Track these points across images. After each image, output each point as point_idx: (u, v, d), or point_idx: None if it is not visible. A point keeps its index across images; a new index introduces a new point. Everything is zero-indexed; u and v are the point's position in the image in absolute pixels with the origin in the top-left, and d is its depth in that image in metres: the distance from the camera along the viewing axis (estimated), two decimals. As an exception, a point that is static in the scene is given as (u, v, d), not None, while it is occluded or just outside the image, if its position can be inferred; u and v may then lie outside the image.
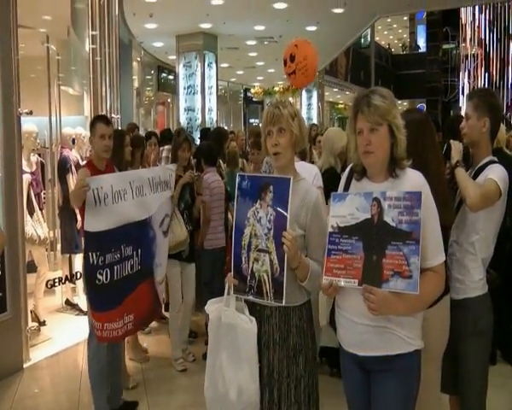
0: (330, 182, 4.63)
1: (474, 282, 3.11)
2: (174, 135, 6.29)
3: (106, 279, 3.81)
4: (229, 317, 2.83)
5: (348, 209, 2.49)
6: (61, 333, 5.57)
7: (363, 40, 26.84)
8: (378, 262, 2.37)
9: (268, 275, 2.67)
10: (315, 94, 22.41)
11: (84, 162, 6.97)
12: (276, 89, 22.85)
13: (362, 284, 2.38)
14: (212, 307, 2.95)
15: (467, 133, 3.23)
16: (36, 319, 6.31)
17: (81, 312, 6.57)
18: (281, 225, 2.61)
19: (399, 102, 37.61)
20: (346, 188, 2.71)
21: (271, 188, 2.66)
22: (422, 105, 29.09)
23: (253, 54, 18.38)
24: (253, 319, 2.79)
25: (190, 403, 4.66)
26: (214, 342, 2.91)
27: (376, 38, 28.15)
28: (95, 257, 3.76)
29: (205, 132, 9.14)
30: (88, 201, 3.65)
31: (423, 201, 2.34)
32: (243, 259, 2.75)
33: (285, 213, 2.60)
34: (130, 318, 4.04)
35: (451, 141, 3.43)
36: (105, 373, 4.27)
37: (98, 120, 4.30)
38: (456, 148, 3.33)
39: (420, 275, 2.35)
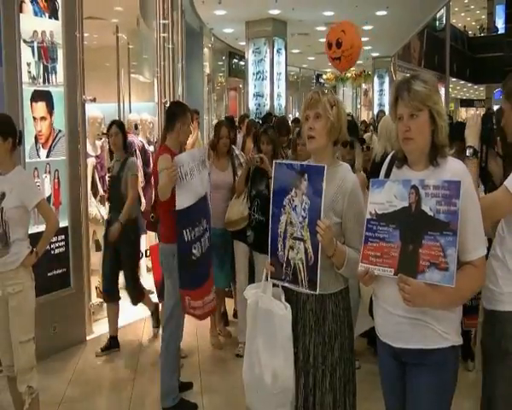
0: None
1: (502, 294, 2.73)
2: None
3: (198, 253, 4.26)
4: (266, 303, 2.87)
5: (386, 196, 2.45)
6: (124, 309, 5.80)
7: (437, 23, 26.11)
8: (414, 252, 2.32)
9: (303, 263, 2.68)
10: (387, 80, 22.08)
11: (154, 148, 7.27)
12: (349, 74, 22.64)
13: (397, 273, 2.35)
14: (250, 292, 3.00)
15: (504, 128, 2.94)
16: (100, 294, 6.63)
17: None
18: (315, 213, 2.61)
19: (476, 86, 36.38)
20: (387, 175, 2.66)
21: (306, 176, 2.66)
22: (500, 90, 28.06)
23: (324, 39, 18.28)
24: (288, 305, 2.81)
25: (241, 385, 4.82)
26: (252, 327, 2.95)
27: (452, 21, 27.25)
28: (188, 233, 4.18)
29: (265, 118, 9.18)
30: (177, 181, 3.98)
31: (463, 191, 2.26)
32: (279, 246, 2.78)
33: (319, 202, 2.59)
34: (210, 297, 4.54)
35: (469, 116, 3.11)
36: (178, 355, 4.52)
37: (188, 110, 4.56)
38: (473, 129, 3.02)
39: (459, 268, 2.31)
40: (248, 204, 5.15)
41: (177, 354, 4.55)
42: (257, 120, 10.37)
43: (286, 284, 2.79)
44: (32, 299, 3.73)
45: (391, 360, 2.60)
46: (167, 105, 7.06)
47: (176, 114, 4.41)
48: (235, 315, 6.21)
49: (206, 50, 16.74)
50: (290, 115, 21.14)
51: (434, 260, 2.26)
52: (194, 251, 4.26)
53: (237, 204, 5.20)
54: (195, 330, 5.97)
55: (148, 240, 7.13)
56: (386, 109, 19.68)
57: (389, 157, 2.72)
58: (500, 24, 33.48)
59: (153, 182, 5.23)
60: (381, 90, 22.33)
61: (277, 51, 14.93)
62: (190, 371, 5.11)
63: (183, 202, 4.12)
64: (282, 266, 2.78)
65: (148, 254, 6.88)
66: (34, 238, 3.89)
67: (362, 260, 2.48)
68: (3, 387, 4.43)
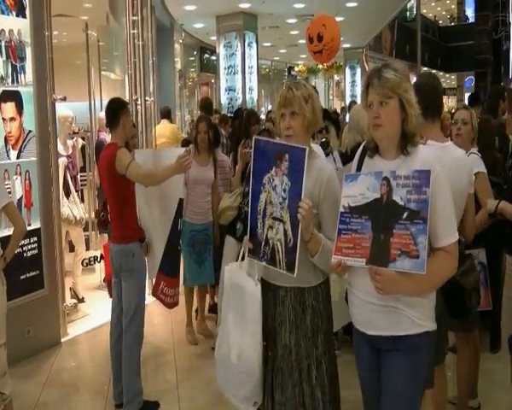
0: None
1: None
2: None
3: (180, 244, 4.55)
4: (239, 278, 2.88)
5: (359, 189, 2.48)
6: (99, 310, 5.78)
7: (408, 13, 26.25)
8: (385, 242, 2.35)
9: (281, 244, 2.67)
10: (358, 71, 22.17)
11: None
12: (320, 66, 22.70)
13: (369, 263, 2.39)
14: (227, 267, 3.00)
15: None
16: (75, 295, 6.59)
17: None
18: (295, 195, 2.60)
19: (447, 75, 36.69)
20: (359, 166, 2.69)
21: (287, 156, 2.64)
22: (471, 78, 28.33)
23: (295, 32, 18.24)
24: (259, 283, 2.81)
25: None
26: (224, 303, 2.98)
27: (423, 11, 27.44)
28: (180, 222, 4.48)
29: (236, 113, 9.21)
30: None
31: (434, 179, 2.30)
32: (259, 224, 2.77)
33: (300, 184, 2.58)
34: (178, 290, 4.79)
35: None
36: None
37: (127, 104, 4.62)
38: None
39: (431, 255, 2.35)
40: (240, 199, 5.06)
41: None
42: (229, 115, 10.36)
43: (263, 264, 2.77)
44: (3, 304, 3.66)
45: (366, 348, 2.64)
46: (138, 102, 7.03)
47: (117, 110, 4.34)
48: (210, 310, 6.22)
49: (177, 46, 16.68)
50: (263, 108, 21.16)
51: (405, 248, 2.30)
52: (179, 241, 4.49)
53: (228, 197, 5.18)
54: (171, 327, 6.01)
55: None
56: (359, 100, 19.82)
57: (361, 147, 2.74)
58: (470, 13, 33.71)
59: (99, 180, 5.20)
60: (353, 81, 22.42)
61: (248, 45, 14.89)
62: (167, 368, 5.13)
63: (181, 191, 4.38)
64: (260, 245, 2.77)
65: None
66: (3, 242, 3.85)
67: (335, 253, 2.50)
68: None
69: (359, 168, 2.67)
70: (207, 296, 6.16)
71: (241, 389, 2.86)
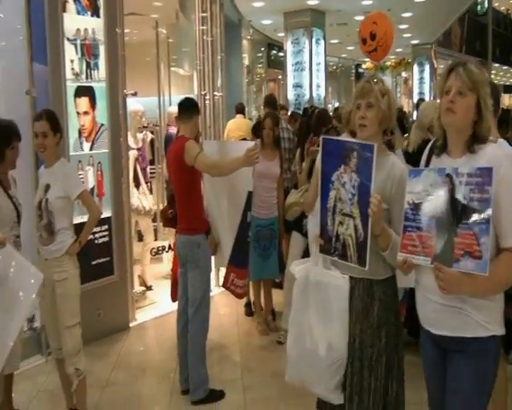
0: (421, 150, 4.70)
1: None
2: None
3: (249, 236, 4.70)
4: (318, 274, 2.92)
5: (423, 186, 2.47)
6: (166, 298, 5.94)
7: (479, 7, 25.51)
8: (450, 241, 2.33)
9: (352, 239, 2.73)
10: (427, 67, 21.72)
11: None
12: (388, 63, 22.42)
13: (434, 262, 2.38)
14: (297, 267, 3.05)
15: None
16: (143, 283, 6.84)
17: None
18: (365, 191, 2.64)
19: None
20: (427, 164, 2.67)
21: (355, 154, 2.68)
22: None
23: (364, 28, 18.16)
24: (346, 275, 2.85)
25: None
26: (300, 301, 3.00)
27: (495, 4, 26.55)
28: (249, 215, 4.58)
29: (305, 111, 9.28)
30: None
31: (498, 177, 2.25)
32: (329, 221, 2.83)
33: (369, 180, 2.61)
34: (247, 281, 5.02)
35: None
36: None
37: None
38: None
39: (496, 256, 2.33)
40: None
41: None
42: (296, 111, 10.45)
43: (335, 258, 2.85)
44: (77, 286, 3.92)
45: (432, 347, 2.63)
46: (207, 97, 7.21)
47: (192, 108, 4.49)
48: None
49: (244, 42, 16.82)
50: (329, 106, 21.09)
51: (468, 248, 2.27)
52: (249, 233, 4.62)
53: (295, 193, 5.28)
54: (236, 318, 6.16)
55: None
56: (427, 98, 19.48)
57: (429, 145, 2.74)
58: (547, 5, 32.51)
59: (167, 175, 5.35)
60: (421, 79, 21.95)
61: (316, 42, 14.89)
62: (232, 358, 5.28)
63: (250, 184, 4.44)
64: (331, 241, 2.83)
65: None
66: (78, 228, 4.07)
67: (401, 250, 2.52)
68: (52, 369, 4.69)
69: (426, 167, 2.66)
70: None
71: (333, 380, 2.90)
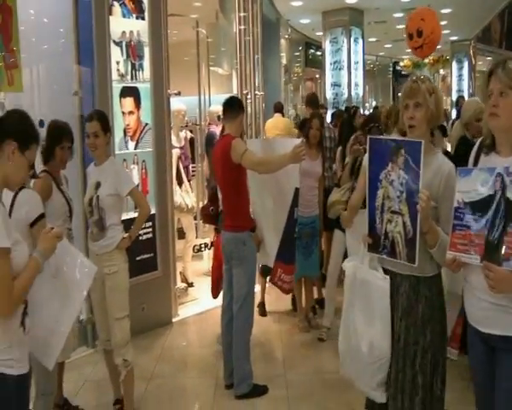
0: (460, 151, 4.72)
1: None
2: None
3: (296, 232, 4.78)
4: (363, 273, 2.97)
5: (473, 185, 2.46)
6: (207, 295, 6.04)
7: (521, 0, 25.01)
8: (500, 240, 2.33)
9: (401, 236, 2.75)
10: (466, 64, 21.40)
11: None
12: (426, 61, 22.16)
13: (483, 261, 2.38)
14: (348, 263, 3.12)
15: None
16: (185, 280, 6.98)
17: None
18: (413, 187, 2.66)
19: None
20: (475, 163, 2.67)
21: (403, 151, 2.70)
22: None
23: (401, 26, 17.97)
24: (387, 276, 2.89)
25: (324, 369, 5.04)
26: (349, 298, 3.06)
27: (537, -2, 26.05)
28: (296, 212, 4.65)
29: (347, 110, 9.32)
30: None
31: None
32: (377, 219, 2.86)
33: (417, 176, 2.64)
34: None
35: None
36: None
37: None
38: None
39: None
40: (349, 194, 5.09)
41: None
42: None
43: (384, 256, 2.88)
44: (126, 279, 4.06)
45: (480, 345, 2.61)
46: (248, 96, 7.30)
47: (238, 107, 4.57)
48: (317, 303, 6.32)
49: (282, 41, 16.86)
50: (367, 104, 20.99)
51: None
52: (296, 229, 4.69)
53: (337, 191, 5.32)
54: (278, 316, 6.26)
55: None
56: (466, 95, 19.22)
57: (477, 144, 2.74)
58: None
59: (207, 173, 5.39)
60: (460, 76, 21.61)
61: (354, 40, 14.88)
62: (275, 354, 5.37)
63: (297, 180, 4.51)
64: (379, 239, 2.87)
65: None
66: (126, 224, 4.21)
67: (450, 248, 2.53)
68: (98, 360, 4.84)
69: (475, 165, 2.67)
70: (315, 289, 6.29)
71: (375, 378, 2.95)
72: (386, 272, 2.94)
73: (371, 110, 17.10)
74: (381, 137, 2.98)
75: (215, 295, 5.66)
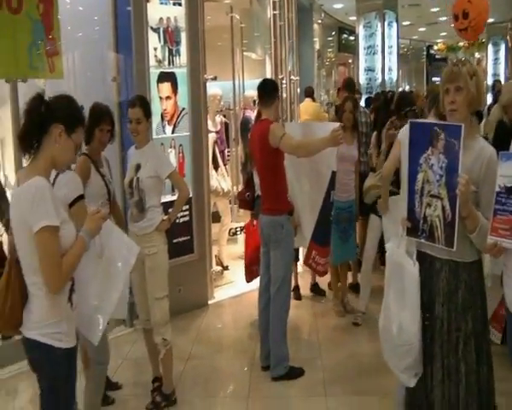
0: (498, 133, 4.69)
1: None
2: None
3: (331, 215, 4.80)
4: (399, 257, 2.98)
5: None
6: (242, 278, 6.09)
7: None
8: None
9: (440, 220, 2.74)
10: (503, 47, 20.95)
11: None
12: (461, 44, 21.81)
13: None
14: (389, 244, 3.13)
15: None
16: (220, 263, 7.06)
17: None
18: (453, 171, 2.65)
19: None
20: None
21: (443, 135, 2.68)
22: None
23: (436, 9, 17.79)
24: (417, 263, 2.89)
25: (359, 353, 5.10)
26: (387, 278, 3.07)
27: None
28: (332, 194, 4.65)
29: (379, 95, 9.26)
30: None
31: None
32: (416, 203, 2.86)
33: (457, 160, 2.62)
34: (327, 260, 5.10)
35: None
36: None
37: None
38: None
39: None
40: None
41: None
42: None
43: (422, 240, 2.88)
44: (166, 260, 4.14)
45: None
46: (284, 81, 7.32)
47: (274, 90, 4.59)
48: (351, 287, 6.30)
49: (315, 26, 16.80)
50: (400, 89, 20.78)
51: None
52: (331, 212, 4.71)
53: (373, 176, 5.34)
54: (313, 300, 6.30)
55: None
56: (502, 79, 18.89)
57: None
58: None
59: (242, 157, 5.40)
60: (496, 59, 21.15)
61: (388, 24, 14.75)
62: (310, 338, 5.41)
63: (334, 164, 4.53)
64: (418, 223, 2.87)
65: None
66: (164, 207, 4.30)
67: (491, 233, 2.54)
68: (136, 339, 4.96)
69: None
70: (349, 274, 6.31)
71: (403, 361, 2.95)
72: (425, 256, 2.94)
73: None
74: (422, 120, 2.96)
75: (248, 280, 5.74)
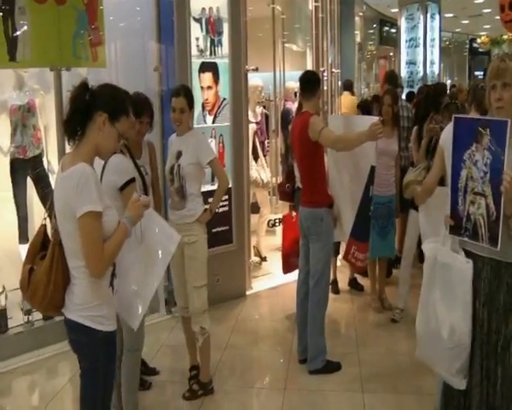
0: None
1: None
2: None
3: (371, 210, 4.70)
4: (445, 256, 2.90)
5: None
6: (280, 270, 6.01)
7: None
8: None
9: (484, 218, 2.68)
10: (551, 41, 20.56)
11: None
12: (505, 37, 21.36)
13: None
14: (428, 245, 3.05)
15: None
16: (258, 254, 7.07)
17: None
18: (497, 168, 2.58)
19: None
20: None
21: (488, 131, 2.62)
22: None
23: (480, 0, 17.41)
24: (470, 260, 2.81)
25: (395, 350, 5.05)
26: (428, 280, 3.00)
27: None
28: (371, 189, 4.57)
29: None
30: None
31: None
32: (460, 201, 2.80)
33: (502, 157, 2.56)
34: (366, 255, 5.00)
35: None
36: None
37: None
38: None
39: None
40: (424, 173, 4.93)
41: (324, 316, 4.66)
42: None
43: (465, 239, 2.82)
44: (205, 250, 4.15)
45: None
46: (325, 73, 7.27)
47: (315, 82, 4.54)
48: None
49: (356, 19, 16.63)
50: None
51: None
52: (371, 207, 4.65)
53: (413, 171, 5.26)
54: (351, 294, 6.26)
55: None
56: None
57: None
58: None
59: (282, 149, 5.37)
60: (543, 54, 20.74)
61: (431, 16, 14.53)
62: (348, 333, 5.38)
63: (374, 158, 4.46)
64: (461, 221, 2.81)
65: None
66: (205, 196, 4.32)
67: None
68: (174, 326, 5.05)
69: None
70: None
71: (455, 364, 2.88)
72: (467, 254, 2.88)
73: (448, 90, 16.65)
74: (466, 116, 2.89)
75: (285, 272, 5.73)
